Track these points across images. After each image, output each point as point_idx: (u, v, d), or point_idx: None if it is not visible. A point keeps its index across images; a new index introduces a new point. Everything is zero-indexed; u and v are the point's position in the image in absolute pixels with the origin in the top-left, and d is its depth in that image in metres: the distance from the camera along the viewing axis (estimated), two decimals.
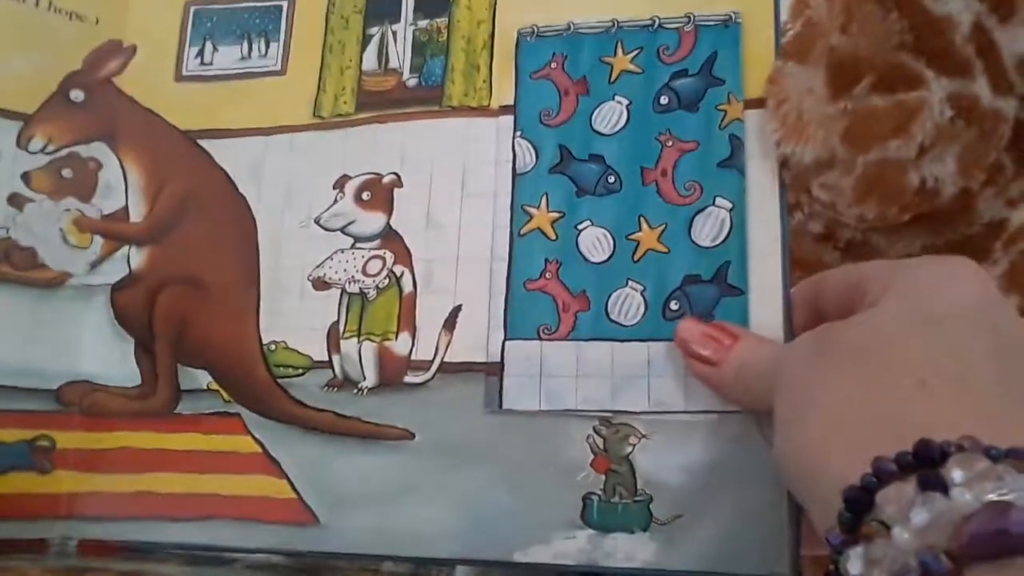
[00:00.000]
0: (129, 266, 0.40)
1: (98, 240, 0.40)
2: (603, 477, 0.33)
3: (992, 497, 0.19)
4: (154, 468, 0.37)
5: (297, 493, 0.35)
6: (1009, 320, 0.26)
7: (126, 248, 0.40)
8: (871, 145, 0.33)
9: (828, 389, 0.26)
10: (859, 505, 0.22)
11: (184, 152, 0.41)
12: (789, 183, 0.34)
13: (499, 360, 0.35)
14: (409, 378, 0.36)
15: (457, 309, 0.36)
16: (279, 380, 0.37)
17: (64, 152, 0.41)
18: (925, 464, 0.21)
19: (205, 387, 0.38)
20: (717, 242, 0.34)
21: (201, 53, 0.42)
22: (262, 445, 0.36)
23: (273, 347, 0.38)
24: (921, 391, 0.24)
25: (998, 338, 0.25)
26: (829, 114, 0.33)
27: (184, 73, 0.42)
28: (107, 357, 0.39)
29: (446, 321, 0.36)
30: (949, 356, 0.25)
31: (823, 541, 0.23)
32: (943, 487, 0.20)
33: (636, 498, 0.33)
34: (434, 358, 0.36)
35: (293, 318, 0.38)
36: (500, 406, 0.34)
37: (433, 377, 0.35)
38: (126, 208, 0.41)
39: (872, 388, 0.25)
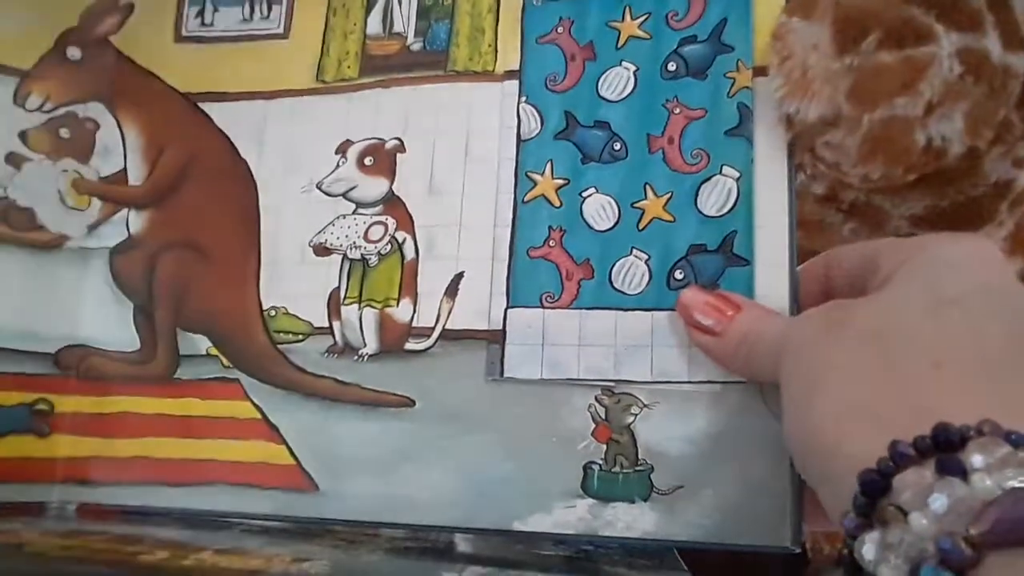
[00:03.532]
0: (128, 230, 0.40)
1: (96, 202, 0.40)
2: (604, 446, 0.33)
3: (1014, 484, 0.19)
4: (153, 433, 0.37)
5: (296, 459, 0.35)
6: (1019, 298, 0.26)
7: (125, 211, 0.40)
8: (878, 102, 0.32)
9: (841, 369, 0.25)
10: (875, 489, 0.21)
11: (184, 115, 0.40)
12: (793, 142, 0.33)
13: (501, 328, 0.35)
14: (410, 345, 0.35)
15: (459, 276, 0.35)
16: (279, 346, 0.37)
17: (61, 111, 0.40)
18: (943, 448, 0.21)
19: (204, 352, 0.38)
20: (723, 211, 0.34)
21: (201, 13, 0.41)
22: (261, 411, 0.36)
23: (273, 313, 0.37)
24: (937, 373, 0.24)
25: (1015, 322, 0.25)
26: (835, 70, 0.32)
27: (184, 34, 0.41)
28: (105, 321, 0.39)
29: (448, 288, 0.35)
30: (965, 339, 0.24)
31: (836, 524, 0.23)
32: (962, 472, 0.20)
33: (637, 468, 0.32)
34: (435, 325, 0.35)
35: (294, 284, 0.37)
36: (501, 374, 0.34)
37: (434, 344, 0.35)
38: (125, 170, 0.40)
39: (887, 370, 0.24)
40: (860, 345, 0.26)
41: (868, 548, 0.21)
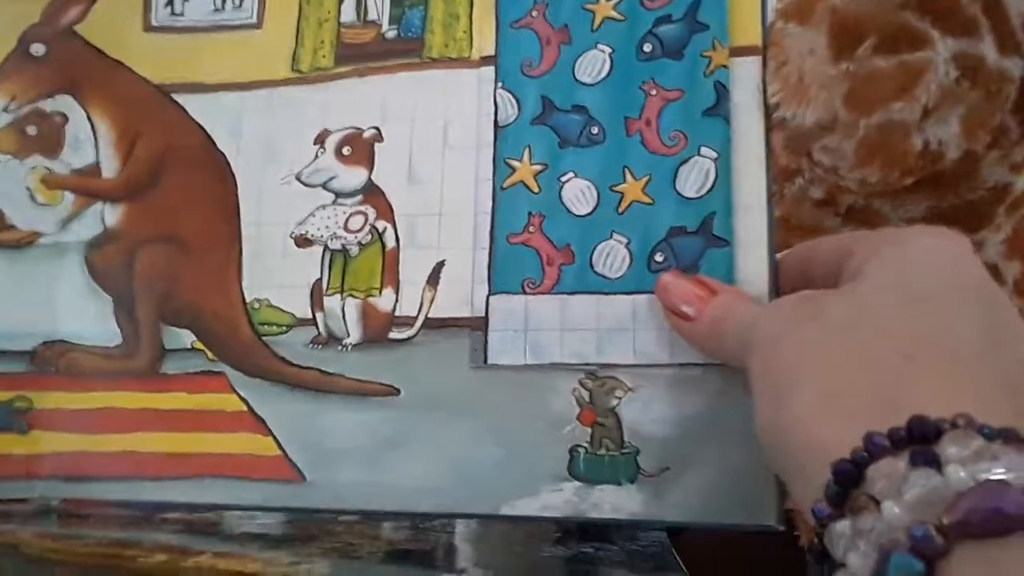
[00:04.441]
0: (104, 223, 0.39)
1: (68, 196, 0.40)
2: (589, 430, 0.33)
3: (988, 476, 0.19)
4: (140, 428, 0.37)
5: (283, 450, 0.35)
6: (998, 301, 0.26)
7: (99, 205, 0.40)
8: (874, 107, 0.32)
9: (814, 363, 0.25)
10: (848, 479, 0.21)
11: (157, 106, 0.40)
12: (789, 147, 0.33)
13: (484, 315, 0.35)
14: (393, 334, 0.35)
15: (440, 264, 0.36)
16: (263, 338, 0.37)
17: (27, 108, 0.40)
18: (918, 440, 0.21)
19: (189, 346, 0.38)
20: (702, 193, 0.34)
21: (171, 3, 0.41)
22: (247, 403, 0.36)
23: (257, 305, 0.37)
24: (910, 367, 0.24)
25: (987, 319, 0.25)
26: (831, 76, 0.32)
27: (153, 23, 0.41)
28: (84, 316, 0.39)
29: (430, 276, 0.36)
30: (938, 334, 0.24)
31: (806, 515, 0.23)
32: (937, 463, 0.20)
33: (623, 450, 0.33)
34: (418, 314, 0.35)
35: (276, 276, 0.37)
36: (485, 361, 0.34)
37: (418, 333, 0.35)
38: (97, 163, 0.40)
39: (860, 363, 0.25)
40: (833, 338, 0.26)
41: (838, 536, 0.21)
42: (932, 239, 0.27)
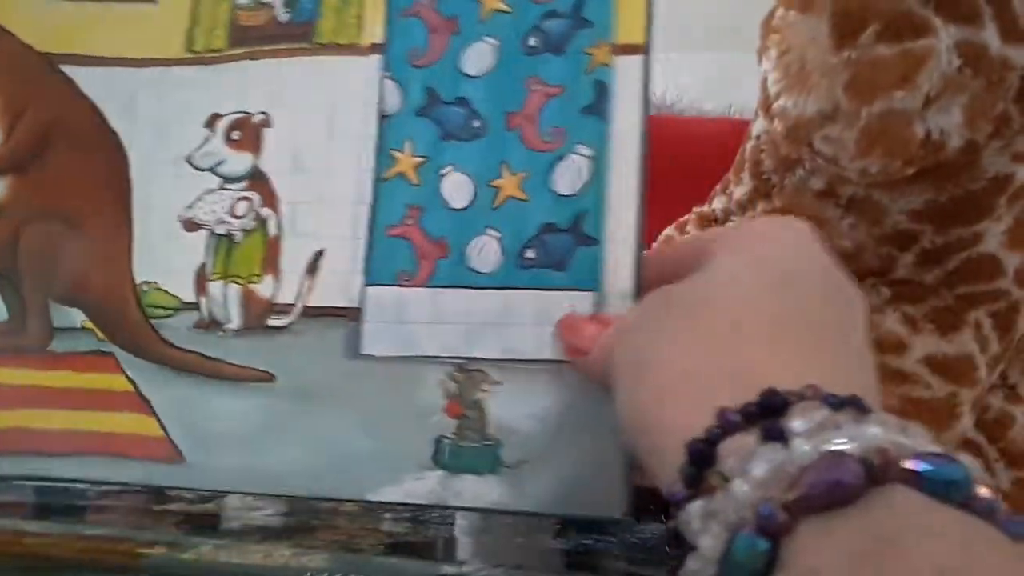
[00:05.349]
0: None
1: None
2: (455, 421, 0.34)
3: (829, 447, 0.19)
4: (29, 404, 0.38)
5: (165, 431, 0.36)
6: (842, 282, 0.27)
7: None
8: (875, 96, 0.32)
9: (666, 344, 0.26)
10: (702, 458, 0.21)
11: (44, 76, 0.40)
12: (790, 137, 0.33)
13: (359, 305, 0.35)
14: (271, 321, 0.36)
15: (320, 253, 0.36)
16: (151, 320, 0.37)
17: None
18: (769, 414, 0.21)
19: (79, 325, 0.38)
20: (575, 191, 0.34)
21: None
22: (135, 384, 0.37)
23: (146, 288, 0.38)
24: (757, 340, 0.24)
25: (832, 299, 0.26)
26: (833, 64, 0.32)
27: None
28: None
29: (309, 265, 0.36)
30: (787, 313, 0.25)
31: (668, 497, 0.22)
32: (784, 438, 0.20)
33: (485, 442, 0.34)
34: (296, 301, 0.36)
35: (164, 258, 0.38)
36: (358, 351, 0.35)
37: (295, 320, 0.36)
38: None
39: (709, 339, 0.25)
40: (683, 318, 0.26)
41: (693, 518, 0.20)
42: (777, 227, 0.28)
